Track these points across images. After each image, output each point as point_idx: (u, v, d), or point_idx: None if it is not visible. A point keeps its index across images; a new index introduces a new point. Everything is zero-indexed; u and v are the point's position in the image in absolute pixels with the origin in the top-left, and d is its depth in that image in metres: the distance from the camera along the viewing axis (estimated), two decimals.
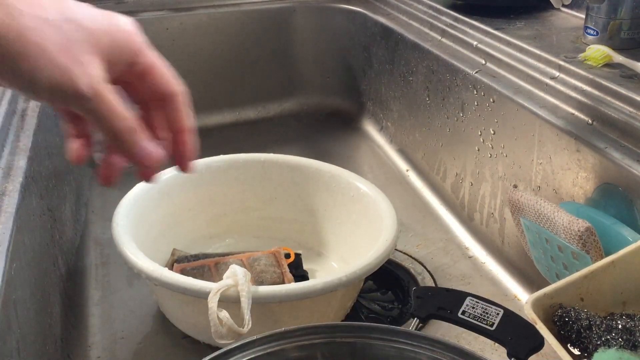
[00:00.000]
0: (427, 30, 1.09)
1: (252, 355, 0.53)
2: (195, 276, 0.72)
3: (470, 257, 0.91)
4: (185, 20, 1.22)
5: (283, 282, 0.76)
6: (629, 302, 0.57)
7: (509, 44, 0.91)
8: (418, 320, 0.61)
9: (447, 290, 0.64)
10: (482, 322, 0.59)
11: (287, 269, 0.78)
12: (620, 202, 0.68)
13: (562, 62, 0.82)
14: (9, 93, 0.82)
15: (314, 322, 0.56)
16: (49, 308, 0.70)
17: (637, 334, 0.52)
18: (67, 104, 0.39)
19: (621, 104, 0.73)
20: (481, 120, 0.91)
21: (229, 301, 0.64)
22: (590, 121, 0.75)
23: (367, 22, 1.23)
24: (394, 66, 1.15)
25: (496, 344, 0.59)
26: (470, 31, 1.00)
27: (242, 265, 0.77)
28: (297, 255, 0.83)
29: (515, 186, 0.80)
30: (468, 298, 0.61)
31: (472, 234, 0.94)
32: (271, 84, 1.31)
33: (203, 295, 0.65)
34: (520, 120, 0.82)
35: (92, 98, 0.38)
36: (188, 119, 0.45)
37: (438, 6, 1.09)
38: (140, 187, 0.82)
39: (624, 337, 0.52)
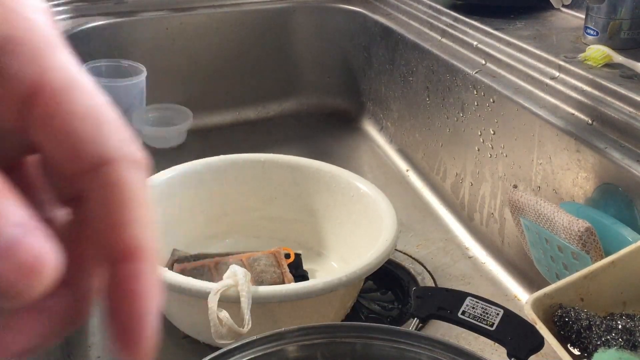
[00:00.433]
0: (427, 30, 1.09)
1: (252, 355, 0.52)
2: (195, 276, 0.72)
3: (470, 257, 0.91)
4: (185, 20, 1.22)
5: (283, 282, 0.76)
6: (629, 302, 0.57)
7: (509, 44, 0.91)
8: (418, 320, 0.61)
9: (447, 290, 0.64)
10: (482, 322, 0.59)
11: (287, 269, 0.78)
12: (620, 202, 0.68)
13: (562, 62, 0.82)
14: None
15: (314, 322, 0.56)
16: None
17: (637, 334, 0.52)
18: None
19: (621, 104, 0.73)
20: (481, 120, 0.91)
21: (229, 301, 0.64)
22: (590, 121, 0.75)
23: (367, 22, 1.23)
24: (394, 66, 1.15)
25: (496, 344, 0.59)
26: (470, 31, 1.00)
27: (242, 265, 0.77)
28: (297, 255, 0.83)
29: (515, 186, 0.80)
30: (468, 298, 0.61)
31: (472, 234, 0.94)
32: (271, 84, 1.31)
33: (203, 295, 0.65)
34: (520, 120, 0.82)
35: None
36: (145, 228, 0.21)
37: (438, 6, 1.09)
38: None
39: (624, 337, 0.52)
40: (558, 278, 0.68)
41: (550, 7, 0.96)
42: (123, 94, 1.07)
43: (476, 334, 0.59)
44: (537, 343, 0.56)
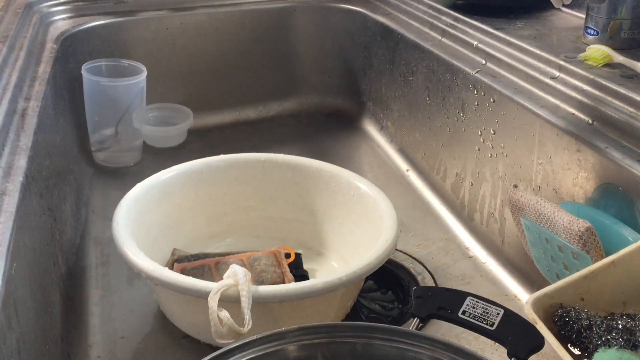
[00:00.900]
0: (427, 30, 1.09)
1: (252, 355, 0.52)
2: (195, 276, 0.72)
3: (470, 257, 0.91)
4: (185, 20, 1.22)
5: (283, 282, 0.76)
6: (630, 302, 0.57)
7: (509, 44, 0.91)
8: (418, 320, 0.61)
9: (448, 290, 0.64)
10: (482, 322, 0.58)
11: (288, 269, 0.78)
12: (621, 202, 0.68)
13: (562, 62, 0.82)
14: (9, 93, 0.82)
15: (314, 322, 0.56)
16: (49, 308, 0.70)
17: (638, 334, 0.52)
18: None
19: (621, 104, 0.73)
20: (481, 120, 0.91)
21: (229, 301, 0.64)
22: (590, 121, 0.75)
23: (367, 22, 1.23)
24: (394, 66, 1.15)
25: (496, 344, 0.59)
26: (471, 31, 1.00)
27: (243, 265, 0.77)
28: (298, 255, 0.83)
29: (515, 186, 0.80)
30: (468, 298, 0.61)
31: (472, 234, 0.94)
32: (271, 84, 1.31)
33: (203, 295, 0.65)
34: (521, 120, 0.82)
35: None
36: None
37: (438, 6, 1.09)
38: (140, 187, 0.82)
39: (625, 337, 0.52)
40: (558, 278, 0.68)
41: (550, 6, 0.96)
42: (123, 93, 1.07)
43: (476, 334, 0.59)
44: (538, 343, 0.56)
